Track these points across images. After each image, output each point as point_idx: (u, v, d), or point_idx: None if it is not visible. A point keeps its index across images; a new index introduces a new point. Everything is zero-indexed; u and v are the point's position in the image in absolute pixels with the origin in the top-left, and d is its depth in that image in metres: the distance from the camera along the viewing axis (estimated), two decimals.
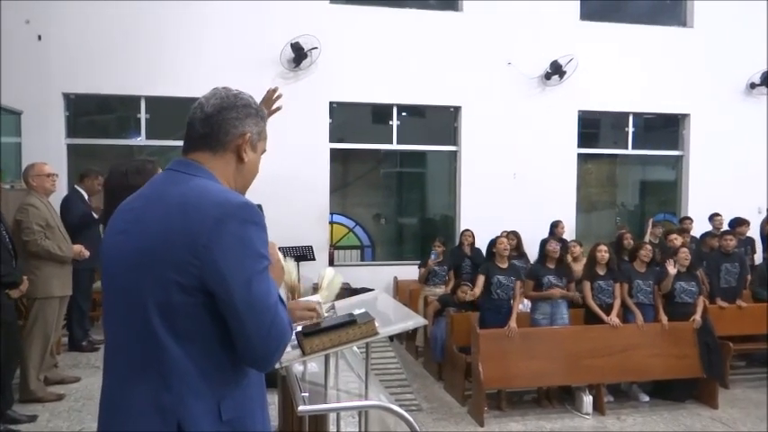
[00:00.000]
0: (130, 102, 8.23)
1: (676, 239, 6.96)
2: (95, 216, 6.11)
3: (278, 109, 2.45)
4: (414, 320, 2.74)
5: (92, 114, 8.56)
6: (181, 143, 1.61)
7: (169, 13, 7.93)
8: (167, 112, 8.23)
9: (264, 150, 1.69)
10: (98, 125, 8.62)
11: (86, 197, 6.36)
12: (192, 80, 7.63)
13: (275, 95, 2.43)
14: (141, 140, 8.29)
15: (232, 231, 1.39)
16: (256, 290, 1.39)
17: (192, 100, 1.65)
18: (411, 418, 2.30)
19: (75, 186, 6.42)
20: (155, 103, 8.19)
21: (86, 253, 5.39)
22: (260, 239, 1.44)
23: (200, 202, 1.42)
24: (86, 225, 6.06)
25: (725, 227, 7.95)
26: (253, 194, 1.81)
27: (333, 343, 2.26)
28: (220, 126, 1.55)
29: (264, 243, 1.45)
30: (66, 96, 7.95)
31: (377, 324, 2.30)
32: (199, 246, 1.37)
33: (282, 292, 1.66)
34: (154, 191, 1.53)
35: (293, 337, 2.49)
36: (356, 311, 2.38)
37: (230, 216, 1.40)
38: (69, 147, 7.99)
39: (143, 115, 8.17)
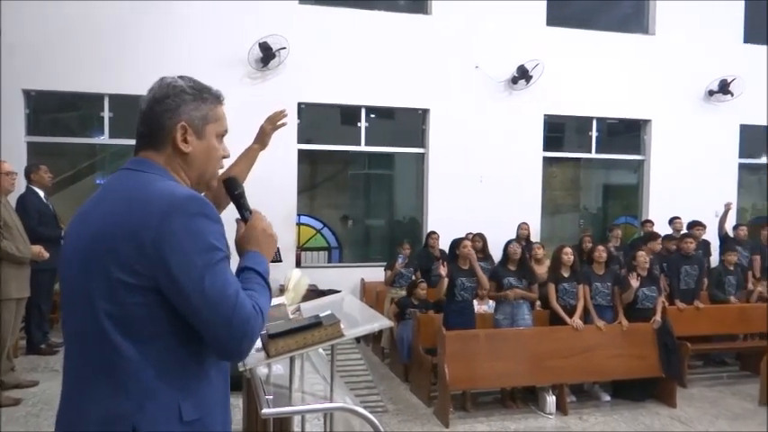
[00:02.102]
0: (93, 100, 8.07)
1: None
2: (61, 230, 6.00)
3: (282, 125, 2.44)
4: (379, 322, 2.75)
5: (53, 112, 8.36)
6: None
7: (134, 11, 7.79)
8: (131, 110, 8.04)
9: (223, 132, 1.60)
10: (60, 123, 8.42)
11: (43, 195, 6.22)
12: (157, 79, 7.51)
13: (282, 114, 2.42)
14: (104, 139, 8.13)
15: (181, 225, 1.35)
16: (210, 284, 1.35)
17: None
18: (376, 420, 2.31)
19: (30, 186, 6.25)
20: (119, 101, 8.04)
21: (45, 254, 5.27)
22: (212, 231, 1.39)
23: (144, 196, 1.39)
24: (45, 224, 5.92)
25: (684, 230, 8.18)
26: None
27: (298, 345, 2.26)
28: (153, 122, 1.52)
29: (218, 235, 1.41)
30: (27, 93, 7.76)
31: (342, 326, 2.30)
32: (146, 243, 1.33)
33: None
34: (104, 190, 1.51)
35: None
36: (322, 313, 2.38)
37: (177, 209, 1.36)
38: (29, 145, 7.79)
39: (106, 113, 8.02)
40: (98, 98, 8.01)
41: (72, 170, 8.48)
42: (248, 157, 2.33)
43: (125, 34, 7.80)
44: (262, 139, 2.40)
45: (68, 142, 8.25)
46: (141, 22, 7.84)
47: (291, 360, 2.41)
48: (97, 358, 1.37)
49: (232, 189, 1.72)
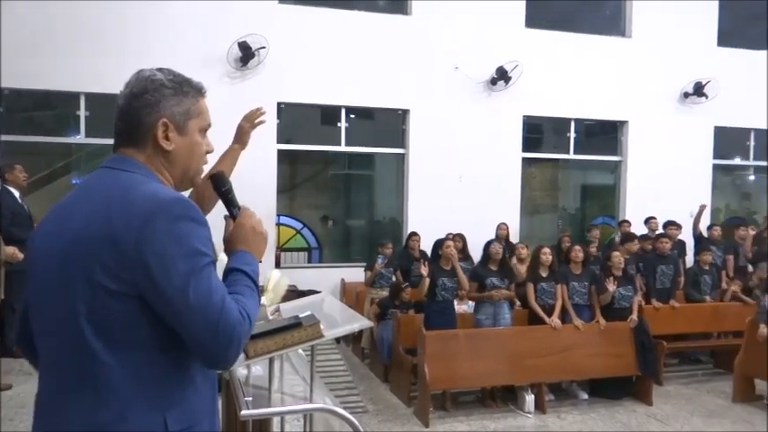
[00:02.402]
0: (69, 98, 7.95)
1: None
2: (33, 226, 5.90)
3: (260, 123, 2.41)
4: (359, 322, 2.75)
5: (28, 110, 8.22)
6: None
7: (111, 9, 7.69)
8: (108, 109, 7.94)
9: (206, 126, 1.53)
10: (35, 122, 8.29)
11: (17, 195, 6.11)
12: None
13: (260, 112, 2.39)
14: (80, 138, 8.01)
15: (164, 230, 1.29)
16: (195, 291, 1.28)
17: None
18: (356, 421, 2.31)
19: (4, 186, 6.15)
20: (95, 100, 7.92)
21: (20, 255, 5.18)
22: (196, 235, 1.33)
23: (127, 198, 1.33)
24: (18, 225, 5.82)
25: (660, 230, 8.29)
26: None
27: (277, 346, 2.24)
28: (132, 118, 1.44)
29: (203, 239, 1.34)
30: (0, 91, 7.61)
31: (322, 326, 2.29)
32: (128, 247, 1.27)
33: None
34: (83, 189, 1.44)
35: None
36: (302, 314, 2.36)
37: (160, 212, 1.30)
38: (3, 144, 7.65)
39: (83, 112, 7.90)
40: (74, 97, 7.89)
41: (47, 170, 8.35)
42: (230, 157, 2.29)
43: (101, 32, 7.68)
44: (241, 137, 2.36)
45: (43, 141, 8.11)
46: (118, 21, 7.73)
47: (271, 361, 2.39)
48: (75, 365, 1.32)
49: (220, 185, 1.66)
